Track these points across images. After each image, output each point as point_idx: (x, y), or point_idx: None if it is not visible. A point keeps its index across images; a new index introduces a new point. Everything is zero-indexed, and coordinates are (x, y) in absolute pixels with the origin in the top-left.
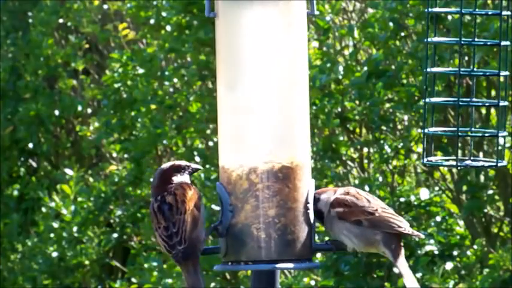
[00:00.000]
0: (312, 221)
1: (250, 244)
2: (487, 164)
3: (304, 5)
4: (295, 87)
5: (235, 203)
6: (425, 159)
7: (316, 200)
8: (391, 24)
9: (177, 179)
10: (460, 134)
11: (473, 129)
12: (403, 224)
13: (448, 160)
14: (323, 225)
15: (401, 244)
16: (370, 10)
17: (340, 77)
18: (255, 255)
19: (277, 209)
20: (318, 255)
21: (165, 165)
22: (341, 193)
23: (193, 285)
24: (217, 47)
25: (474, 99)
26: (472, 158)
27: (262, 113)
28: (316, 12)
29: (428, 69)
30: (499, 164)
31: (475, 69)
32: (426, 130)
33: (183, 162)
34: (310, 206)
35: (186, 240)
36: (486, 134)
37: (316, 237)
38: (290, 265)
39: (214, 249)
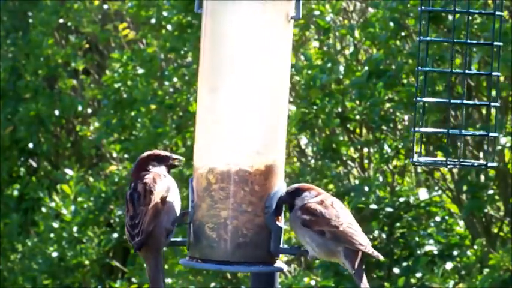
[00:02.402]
0: (271, 225)
1: (204, 243)
2: (476, 164)
3: (291, 7)
4: (275, 92)
5: (196, 200)
6: (415, 159)
7: (297, 194)
8: (391, 24)
9: (154, 168)
10: (450, 133)
11: (464, 129)
12: (364, 242)
13: (438, 160)
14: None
15: (363, 262)
16: (371, 10)
17: (341, 76)
18: (206, 254)
19: (230, 211)
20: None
21: (145, 153)
22: (315, 200)
23: (153, 278)
24: (201, 45)
25: (465, 100)
26: (463, 158)
27: (232, 115)
28: (316, 12)
29: (420, 68)
30: (489, 165)
31: (467, 70)
32: (417, 129)
33: (164, 152)
34: (270, 210)
35: (143, 233)
36: (477, 134)
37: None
38: (238, 268)
39: (180, 241)
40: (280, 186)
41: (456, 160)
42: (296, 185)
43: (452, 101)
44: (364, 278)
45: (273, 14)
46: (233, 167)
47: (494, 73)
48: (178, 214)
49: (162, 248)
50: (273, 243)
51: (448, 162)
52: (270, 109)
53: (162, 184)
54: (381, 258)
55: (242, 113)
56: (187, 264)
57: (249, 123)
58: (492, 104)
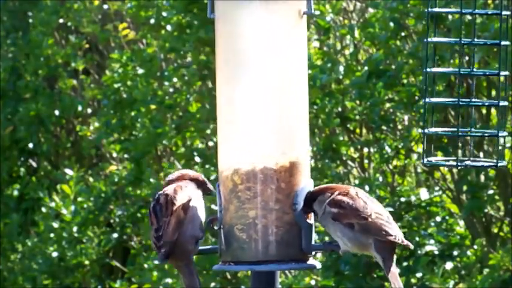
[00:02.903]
0: (301, 222)
1: (234, 245)
2: (486, 164)
3: (304, 5)
4: (293, 88)
5: (224, 204)
6: (425, 160)
7: (313, 199)
8: (391, 24)
9: (178, 182)
10: (460, 134)
11: (473, 129)
12: (394, 232)
13: (448, 160)
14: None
15: (394, 251)
16: (371, 10)
17: (341, 76)
18: (237, 256)
19: (258, 210)
20: (319, 255)
21: (192, 172)
22: (340, 193)
23: (189, 285)
24: (216, 48)
25: (474, 99)
26: (472, 158)
27: (253, 115)
28: (316, 12)
29: (428, 69)
30: (499, 164)
31: (474, 69)
32: (426, 130)
33: (202, 177)
34: (299, 207)
35: (167, 244)
36: (486, 134)
37: (316, 237)
38: (271, 266)
39: (212, 249)
40: (306, 183)
41: (466, 159)
42: (322, 186)
43: (461, 101)
44: (394, 271)
45: (286, 12)
46: (257, 166)
47: (502, 72)
48: (203, 221)
49: (191, 256)
50: (304, 240)
51: (459, 164)
52: (290, 106)
53: (183, 194)
54: (411, 246)
55: (263, 111)
56: (220, 269)
57: (271, 122)
58: (501, 103)
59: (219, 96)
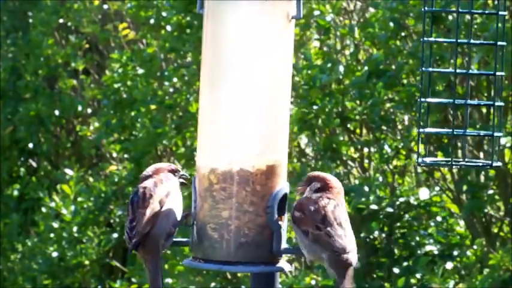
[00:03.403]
0: (273, 225)
1: (206, 243)
2: (481, 164)
3: (293, 9)
4: (276, 92)
5: (198, 201)
6: (419, 159)
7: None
8: (391, 24)
9: (159, 176)
10: (455, 134)
11: (468, 129)
12: (347, 249)
13: (443, 160)
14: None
15: (349, 269)
16: (371, 10)
17: (341, 76)
18: (208, 254)
19: (232, 211)
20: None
21: (162, 164)
22: (312, 196)
23: (152, 279)
24: (203, 45)
25: (470, 100)
26: (466, 158)
27: (234, 116)
28: (317, 12)
29: (424, 69)
30: (494, 165)
31: (473, 69)
32: (422, 130)
33: (172, 167)
34: (272, 210)
35: (139, 234)
36: (482, 134)
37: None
38: (240, 268)
39: (183, 242)
40: (282, 186)
41: (461, 160)
42: (311, 174)
43: (456, 101)
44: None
45: (274, 14)
46: (234, 167)
47: (498, 73)
48: (179, 217)
49: (160, 250)
50: (275, 243)
51: (453, 163)
52: (271, 109)
53: (162, 188)
54: (356, 265)
55: (243, 112)
56: (189, 265)
57: (250, 123)
58: (497, 104)
59: (202, 94)
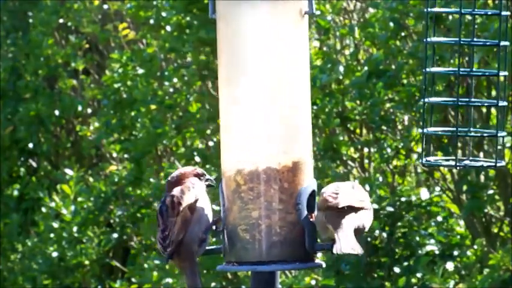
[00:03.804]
0: (304, 221)
1: (238, 245)
2: (486, 164)
3: (305, 4)
4: (296, 88)
5: (227, 204)
6: (424, 160)
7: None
8: (391, 24)
9: (185, 182)
10: (459, 134)
11: (472, 129)
12: (336, 199)
13: (446, 160)
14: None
15: (344, 217)
16: (371, 10)
17: (341, 76)
18: (241, 256)
19: (261, 210)
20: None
21: (187, 168)
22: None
23: (191, 286)
24: (218, 49)
25: (473, 99)
26: (471, 158)
27: (255, 115)
28: (317, 12)
29: (427, 69)
30: (498, 165)
31: (474, 69)
32: (425, 130)
33: (198, 171)
34: (302, 206)
35: (173, 243)
36: (485, 134)
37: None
38: (274, 266)
39: (215, 249)
40: (309, 182)
41: (465, 159)
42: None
43: (460, 100)
44: (343, 234)
45: (287, 12)
46: (260, 166)
47: (501, 73)
48: (209, 222)
49: (195, 257)
50: (307, 239)
51: (458, 164)
52: (292, 106)
53: (190, 194)
54: (340, 205)
55: (264, 112)
56: (224, 269)
57: (272, 122)
58: (500, 103)
59: (221, 96)
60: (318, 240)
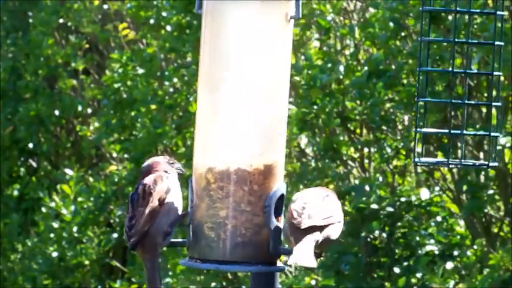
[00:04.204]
0: (270, 224)
1: (203, 242)
2: (478, 164)
3: (292, 9)
4: (275, 92)
5: (195, 200)
6: (416, 159)
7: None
8: (391, 24)
9: (159, 171)
10: (452, 133)
11: (467, 129)
12: (300, 214)
13: (439, 160)
14: None
15: (306, 234)
16: (371, 10)
17: (341, 76)
18: (205, 254)
19: (229, 210)
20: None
21: (157, 158)
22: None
23: (149, 278)
24: (202, 45)
25: (468, 100)
26: (464, 158)
27: (232, 115)
28: (317, 12)
29: (422, 68)
30: (491, 164)
31: (468, 70)
32: (419, 130)
33: (169, 159)
34: (270, 210)
35: (138, 233)
36: (479, 134)
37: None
38: (237, 267)
39: (180, 242)
40: (279, 186)
41: (458, 160)
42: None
43: (453, 101)
44: (299, 247)
45: (272, 14)
46: (232, 166)
47: (495, 73)
48: (178, 215)
49: (158, 249)
50: (272, 243)
51: (450, 162)
52: (269, 109)
53: (162, 185)
54: (302, 225)
55: (241, 112)
56: (186, 265)
57: (248, 123)
58: (494, 104)
59: (200, 93)
60: (280, 244)
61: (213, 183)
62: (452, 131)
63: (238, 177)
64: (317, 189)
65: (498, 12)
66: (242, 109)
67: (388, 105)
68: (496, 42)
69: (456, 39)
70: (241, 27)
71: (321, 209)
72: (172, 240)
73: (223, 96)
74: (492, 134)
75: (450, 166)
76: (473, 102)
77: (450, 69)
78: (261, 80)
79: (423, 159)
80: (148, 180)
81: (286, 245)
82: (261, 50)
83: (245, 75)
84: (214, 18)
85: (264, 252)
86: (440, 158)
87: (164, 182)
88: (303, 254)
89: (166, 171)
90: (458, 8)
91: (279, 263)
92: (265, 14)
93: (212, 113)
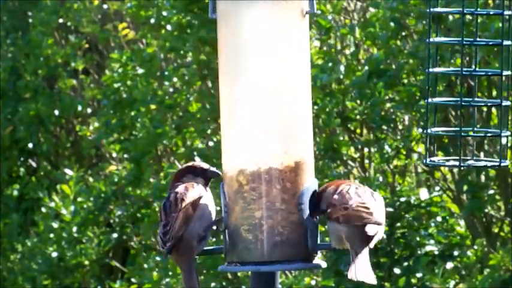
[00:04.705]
0: (307, 221)
1: (240, 246)
2: (489, 164)
3: (306, 4)
4: (296, 88)
5: (229, 204)
6: (427, 160)
7: (319, 200)
8: (392, 23)
9: (187, 179)
10: (462, 134)
11: (475, 129)
12: (372, 220)
13: (450, 160)
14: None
15: (367, 242)
16: (372, 9)
17: (341, 76)
18: (243, 256)
19: (264, 210)
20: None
21: (183, 165)
22: (336, 191)
23: (187, 284)
24: (219, 49)
25: (476, 99)
26: (474, 158)
27: (257, 115)
28: (318, 12)
29: (430, 70)
30: (502, 164)
31: (477, 69)
32: (429, 130)
33: (201, 164)
34: (305, 206)
35: (173, 238)
36: (489, 134)
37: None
38: (277, 266)
39: (216, 249)
40: (311, 182)
41: (469, 158)
42: (325, 185)
43: (463, 100)
44: (361, 263)
45: (288, 12)
46: (263, 166)
47: (504, 72)
48: (211, 220)
49: (194, 253)
50: (310, 240)
51: (462, 165)
52: (293, 106)
53: (194, 192)
54: (374, 235)
55: (265, 112)
56: (226, 270)
57: (273, 122)
58: (504, 103)
59: (222, 96)
60: (319, 240)
61: (245, 185)
62: (462, 131)
63: (270, 177)
64: (353, 183)
65: (505, 12)
66: (266, 109)
67: (388, 105)
68: (504, 42)
69: (464, 40)
70: (259, 28)
71: (380, 211)
72: (209, 247)
73: (246, 97)
74: (503, 134)
75: (462, 167)
76: (482, 102)
77: (456, 69)
78: (282, 78)
79: (434, 159)
80: (180, 188)
81: (329, 241)
82: (281, 48)
83: (266, 75)
84: (230, 21)
85: (302, 250)
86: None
87: (195, 188)
88: (364, 268)
89: (193, 183)
90: (465, 9)
91: (317, 260)
92: (280, 12)
93: (236, 115)
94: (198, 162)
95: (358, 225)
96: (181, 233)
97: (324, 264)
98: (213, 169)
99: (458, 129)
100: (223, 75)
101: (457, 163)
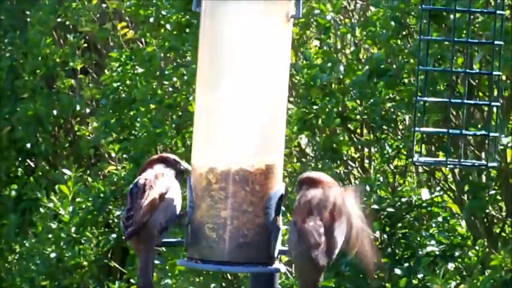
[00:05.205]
0: (271, 225)
1: (203, 243)
2: (477, 164)
3: (292, 8)
4: (274, 92)
5: (195, 200)
6: (415, 158)
7: (300, 185)
8: (392, 23)
9: (159, 168)
10: (451, 133)
11: (464, 130)
12: (316, 241)
13: (437, 160)
14: None
15: (318, 273)
16: (372, 9)
17: (341, 76)
18: (205, 254)
19: (230, 211)
20: None
21: (155, 155)
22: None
23: (142, 271)
24: (200, 44)
25: (467, 100)
26: (463, 158)
27: (233, 115)
28: (316, 11)
29: (420, 67)
30: (490, 165)
31: (474, 68)
32: (417, 129)
33: (173, 157)
34: (271, 210)
35: (136, 223)
36: (478, 134)
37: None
38: (238, 268)
39: (176, 242)
40: (279, 187)
41: (456, 160)
42: (304, 175)
43: (452, 100)
44: None
45: (273, 13)
46: (233, 167)
47: (494, 72)
48: (175, 213)
49: (154, 243)
50: (272, 243)
51: (448, 162)
52: (269, 108)
53: (163, 181)
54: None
55: (241, 112)
56: (185, 265)
57: (248, 123)
58: (493, 103)
59: (198, 93)
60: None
61: (214, 183)
62: (451, 131)
63: (240, 178)
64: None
65: (498, 12)
66: (242, 109)
67: (389, 104)
68: (496, 42)
69: (456, 39)
70: (241, 26)
71: (339, 237)
72: (170, 239)
73: (222, 96)
74: (491, 134)
75: (449, 166)
76: (472, 102)
77: (454, 69)
78: (260, 80)
79: (422, 159)
80: (149, 175)
81: (281, 246)
82: (261, 49)
83: (245, 75)
84: (213, 17)
85: (264, 253)
86: (438, 158)
87: (165, 178)
88: None
89: (163, 172)
90: (458, 7)
91: (278, 264)
92: (266, 13)
93: (211, 112)
94: (172, 155)
95: (306, 249)
96: (144, 220)
97: (283, 269)
98: (185, 164)
99: (446, 130)
100: (202, 72)
101: (444, 162)
